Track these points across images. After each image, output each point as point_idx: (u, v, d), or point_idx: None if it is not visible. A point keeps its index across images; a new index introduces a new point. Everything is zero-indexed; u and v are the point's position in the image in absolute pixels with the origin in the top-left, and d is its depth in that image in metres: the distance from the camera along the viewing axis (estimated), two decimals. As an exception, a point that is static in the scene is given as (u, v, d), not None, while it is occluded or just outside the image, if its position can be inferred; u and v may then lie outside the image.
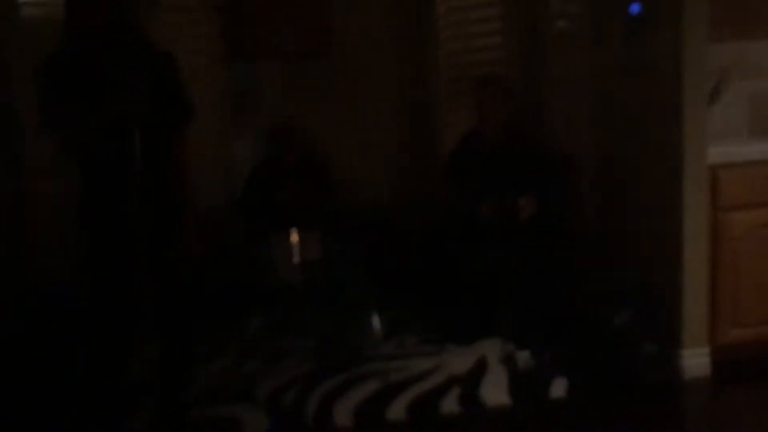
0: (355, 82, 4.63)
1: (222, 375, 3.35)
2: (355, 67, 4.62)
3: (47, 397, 3.16)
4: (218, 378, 3.31)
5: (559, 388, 3.06)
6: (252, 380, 3.25)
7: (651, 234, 3.24)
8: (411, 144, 4.80)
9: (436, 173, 4.31)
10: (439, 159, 4.37)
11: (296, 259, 3.42)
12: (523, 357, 3.32)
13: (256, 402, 3.07)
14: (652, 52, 3.15)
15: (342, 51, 4.58)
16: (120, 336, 2.60)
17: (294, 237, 3.42)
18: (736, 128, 3.40)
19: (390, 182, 4.78)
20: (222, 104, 4.59)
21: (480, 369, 3.29)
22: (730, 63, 3.31)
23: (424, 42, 4.60)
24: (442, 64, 4.55)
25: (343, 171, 4.39)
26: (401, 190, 4.79)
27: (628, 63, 3.35)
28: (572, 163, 3.84)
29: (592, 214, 3.76)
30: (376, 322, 3.41)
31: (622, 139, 3.49)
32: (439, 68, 4.56)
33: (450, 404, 2.99)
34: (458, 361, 3.37)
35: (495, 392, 3.06)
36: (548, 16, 4.07)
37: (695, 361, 3.07)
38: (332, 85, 4.63)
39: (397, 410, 2.96)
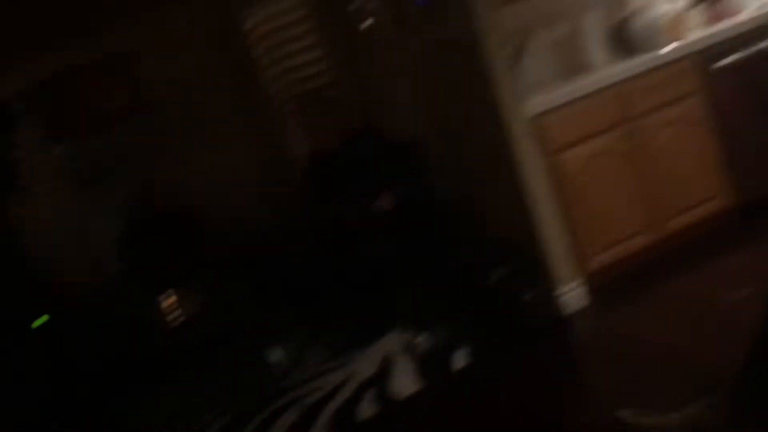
0: (195, 131, 4.64)
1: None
2: (189, 117, 4.62)
3: None
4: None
5: (459, 359, 3.20)
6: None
7: (501, 193, 3.43)
8: (272, 172, 4.86)
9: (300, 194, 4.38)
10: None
11: (180, 318, 3.40)
12: (423, 340, 3.44)
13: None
14: (449, 30, 3.32)
15: (171, 103, 4.58)
16: None
17: (171, 299, 3.40)
18: (549, 75, 3.68)
19: (260, 214, 4.82)
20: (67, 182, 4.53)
21: (387, 365, 3.40)
22: (530, 18, 3.57)
23: (247, 73, 4.66)
24: (271, 88, 4.62)
25: (210, 217, 4.40)
26: (274, 217, 4.84)
27: (435, 44, 3.53)
28: (417, 149, 4.00)
29: (448, 191, 3.94)
30: (277, 354, 3.44)
31: (452, 114, 3.67)
32: (270, 93, 4.62)
33: (366, 409, 3.08)
34: (365, 365, 3.46)
35: (404, 383, 3.16)
36: (354, 18, 4.22)
37: (572, 295, 3.29)
38: (172, 140, 4.61)
39: (319, 431, 3.01)
